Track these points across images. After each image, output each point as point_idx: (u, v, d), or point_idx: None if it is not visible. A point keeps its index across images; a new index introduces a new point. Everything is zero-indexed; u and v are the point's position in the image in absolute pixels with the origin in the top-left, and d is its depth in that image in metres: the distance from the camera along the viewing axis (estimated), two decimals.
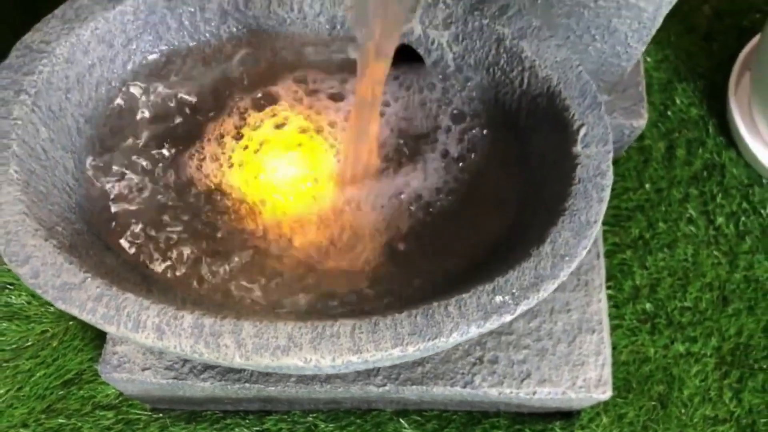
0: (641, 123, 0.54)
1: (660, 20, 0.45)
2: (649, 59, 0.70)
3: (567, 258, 0.36)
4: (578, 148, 0.38)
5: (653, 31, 0.46)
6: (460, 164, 0.43)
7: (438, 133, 0.44)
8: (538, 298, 0.35)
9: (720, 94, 0.69)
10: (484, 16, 0.42)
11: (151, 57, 0.44)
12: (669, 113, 0.68)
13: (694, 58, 0.70)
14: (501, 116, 0.44)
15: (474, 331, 0.34)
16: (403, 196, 0.42)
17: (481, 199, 0.42)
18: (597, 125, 0.39)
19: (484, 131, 0.44)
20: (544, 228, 0.37)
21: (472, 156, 0.43)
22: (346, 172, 0.41)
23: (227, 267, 0.39)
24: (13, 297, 0.60)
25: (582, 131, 0.39)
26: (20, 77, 0.39)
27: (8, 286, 0.60)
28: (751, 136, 0.66)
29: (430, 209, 0.42)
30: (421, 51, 0.45)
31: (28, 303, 0.60)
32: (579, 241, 0.36)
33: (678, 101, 0.69)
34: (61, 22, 0.41)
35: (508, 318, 0.35)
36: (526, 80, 0.42)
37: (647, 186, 0.65)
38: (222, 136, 0.43)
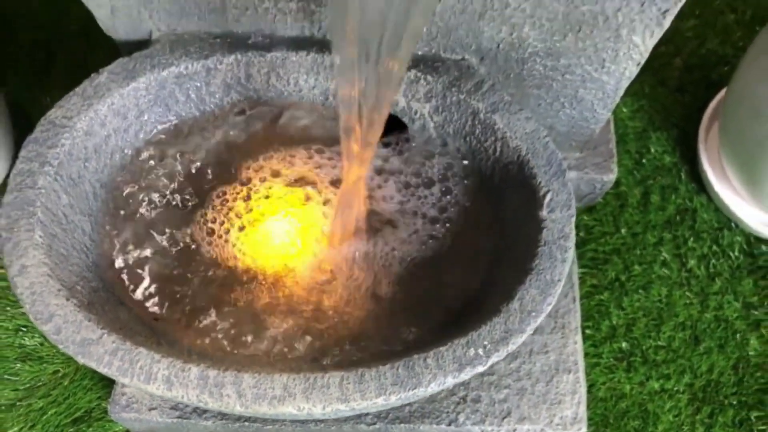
0: (611, 177, 0.59)
1: (622, 90, 0.50)
2: (624, 110, 0.75)
3: (533, 314, 0.40)
4: (544, 212, 0.43)
5: (617, 99, 0.51)
6: (439, 224, 0.48)
7: (419, 194, 0.49)
8: (508, 350, 0.39)
9: (691, 142, 0.74)
10: (461, 91, 0.47)
11: (161, 126, 0.49)
12: (644, 161, 0.73)
13: (667, 108, 0.76)
14: (477, 180, 0.48)
15: (450, 381, 0.39)
16: (386, 254, 0.46)
17: (458, 255, 0.47)
18: (561, 192, 0.44)
19: (462, 193, 0.48)
20: (513, 285, 0.41)
21: (451, 216, 0.48)
22: (336, 233, 0.45)
23: (229, 321, 0.44)
24: (26, 339, 0.64)
25: (548, 197, 0.43)
26: (45, 150, 0.44)
27: (22, 328, 0.65)
28: (720, 182, 0.71)
29: (412, 266, 0.47)
30: (405, 120, 0.50)
31: (41, 344, 0.64)
32: (544, 298, 0.41)
33: (652, 149, 0.74)
34: (82, 99, 0.46)
35: (480, 369, 0.39)
36: (498, 149, 0.46)
37: (623, 230, 0.70)
38: (225, 200, 0.48)
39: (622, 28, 0.44)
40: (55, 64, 0.75)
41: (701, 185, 0.72)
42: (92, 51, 0.76)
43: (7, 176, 0.69)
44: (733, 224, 0.71)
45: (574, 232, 0.43)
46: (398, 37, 0.35)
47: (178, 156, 0.49)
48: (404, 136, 0.50)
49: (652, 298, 0.67)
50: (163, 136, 0.49)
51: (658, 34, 0.44)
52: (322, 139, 0.50)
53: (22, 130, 0.72)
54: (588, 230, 0.70)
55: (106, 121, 0.46)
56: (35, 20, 0.77)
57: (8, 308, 0.66)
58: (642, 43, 0.45)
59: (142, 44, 0.49)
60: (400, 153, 0.51)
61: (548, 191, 0.44)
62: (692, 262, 0.69)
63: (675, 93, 0.76)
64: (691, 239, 0.70)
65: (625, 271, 0.68)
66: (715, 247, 0.70)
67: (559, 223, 0.43)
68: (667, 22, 0.43)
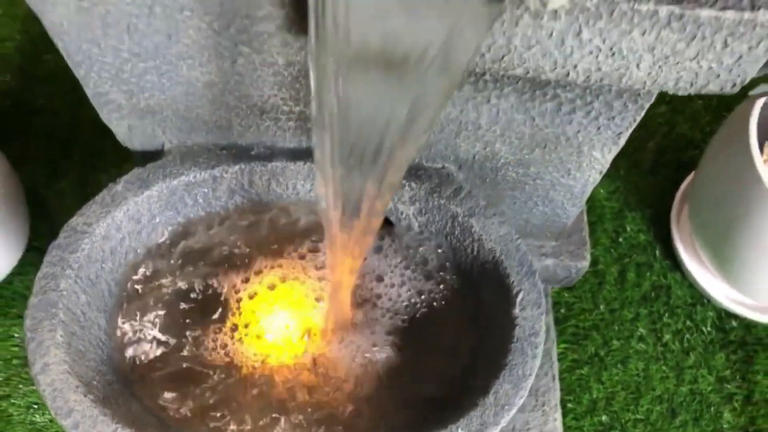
0: (584, 264, 0.64)
1: (589, 192, 0.56)
2: (602, 191, 0.81)
3: (507, 407, 0.45)
4: (516, 310, 0.48)
5: (584, 199, 0.57)
6: (423, 316, 0.53)
7: (404, 289, 0.54)
8: None
9: (665, 221, 0.79)
10: (441, 197, 0.52)
11: (171, 228, 0.54)
12: (620, 239, 0.78)
13: (641, 189, 0.81)
14: (458, 276, 0.54)
15: None
16: (374, 347, 0.51)
17: (440, 346, 0.52)
18: (532, 291, 0.49)
19: (444, 289, 0.54)
20: (488, 379, 0.46)
21: (434, 309, 0.53)
22: (328, 327, 0.51)
23: (237, 417, 0.48)
24: (37, 416, 0.68)
25: (520, 296, 0.49)
26: (67, 255, 0.49)
27: (33, 405, 0.69)
28: (692, 260, 0.76)
29: (398, 355, 0.51)
30: (392, 219, 0.55)
31: (50, 422, 0.68)
32: (516, 392, 0.46)
33: (628, 228, 0.79)
34: (100, 207, 0.51)
35: None
36: (476, 249, 0.52)
37: (602, 307, 0.75)
38: (230, 297, 0.53)
39: (583, 146, 0.49)
40: (71, 151, 0.81)
41: (675, 262, 0.77)
42: (106, 139, 0.82)
43: (22, 258, 0.76)
44: (705, 300, 0.75)
45: (544, 329, 0.48)
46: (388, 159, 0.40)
47: (185, 254, 0.54)
48: (392, 233, 0.55)
49: (630, 372, 0.72)
50: (172, 236, 0.54)
51: (615, 150, 0.50)
52: (320, 236, 0.55)
53: (37, 214, 0.78)
54: (569, 307, 0.75)
55: (122, 225, 0.52)
56: (52, 108, 0.84)
57: (20, 386, 0.70)
58: (601, 157, 0.51)
59: (155, 154, 0.55)
60: (388, 247, 0.56)
61: (520, 290, 0.49)
62: (668, 337, 0.74)
63: (648, 175, 0.82)
64: (666, 315, 0.75)
65: (604, 346, 0.73)
66: (689, 322, 0.74)
67: (530, 320, 0.48)
68: (622, 141, 0.49)
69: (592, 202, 0.80)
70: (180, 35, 0.43)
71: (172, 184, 0.53)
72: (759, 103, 0.62)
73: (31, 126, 0.83)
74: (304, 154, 0.54)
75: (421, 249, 0.55)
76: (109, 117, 0.51)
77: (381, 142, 0.40)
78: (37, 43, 0.88)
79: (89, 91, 0.49)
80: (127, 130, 0.53)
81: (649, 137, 0.84)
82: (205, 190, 0.54)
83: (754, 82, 0.45)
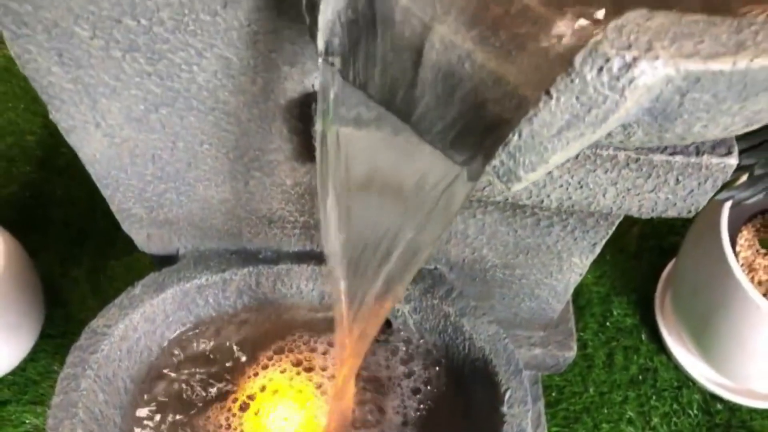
0: (571, 354, 0.68)
1: (571, 290, 0.61)
2: (589, 276, 0.86)
3: None
4: (504, 408, 0.52)
5: (568, 296, 0.62)
6: (418, 413, 0.57)
7: (400, 386, 0.58)
8: None
9: (650, 305, 0.84)
10: (434, 297, 0.57)
11: (183, 327, 0.59)
12: (608, 323, 0.83)
13: (626, 274, 0.86)
14: (451, 372, 0.58)
15: None
16: None
17: None
18: (519, 389, 0.53)
19: (438, 384, 0.58)
20: None
21: (428, 406, 0.57)
22: (330, 425, 0.54)
23: None
24: None
25: (507, 394, 0.53)
26: (87, 356, 0.54)
27: None
28: (676, 344, 0.80)
29: None
30: (389, 316, 0.60)
31: None
32: None
33: (615, 312, 0.84)
34: (119, 309, 0.56)
35: None
36: (467, 347, 0.56)
37: (591, 390, 0.78)
38: (238, 390, 0.57)
39: (562, 253, 0.55)
40: (85, 240, 0.87)
41: (661, 345, 0.81)
42: (119, 228, 0.87)
43: (36, 345, 0.80)
44: (690, 383, 0.79)
45: (530, 426, 0.51)
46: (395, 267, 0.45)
47: (194, 352, 0.59)
48: (389, 330, 0.60)
49: None
50: (183, 335, 0.59)
51: (592, 257, 0.55)
52: (321, 333, 0.60)
53: (51, 302, 0.82)
54: (559, 390, 0.78)
55: (138, 326, 0.56)
56: (69, 199, 0.90)
57: None
58: (580, 262, 0.56)
59: (170, 258, 0.60)
60: (385, 342, 0.60)
61: (508, 388, 0.53)
62: (656, 420, 0.77)
63: (633, 259, 0.87)
64: (654, 398, 0.78)
65: (595, 429, 0.76)
66: (675, 405, 0.78)
67: (518, 417, 0.52)
68: (598, 249, 0.54)
69: (580, 287, 0.84)
70: (199, 163, 0.49)
71: (186, 287, 0.57)
72: (727, 204, 0.68)
73: (49, 216, 0.89)
74: (307, 257, 0.59)
75: (416, 345, 0.59)
76: (130, 228, 0.57)
77: (384, 255, 0.45)
78: (57, 136, 0.94)
79: (113, 207, 0.54)
80: (145, 238, 0.58)
81: (633, 223, 0.89)
82: (216, 292, 0.59)
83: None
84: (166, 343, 0.59)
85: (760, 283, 0.72)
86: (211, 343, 0.59)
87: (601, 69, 0.24)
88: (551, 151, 0.27)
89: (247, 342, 0.60)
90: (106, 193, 0.52)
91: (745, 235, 0.75)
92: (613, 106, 0.25)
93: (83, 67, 0.40)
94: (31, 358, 0.79)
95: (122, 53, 0.40)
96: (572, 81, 0.25)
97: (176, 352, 0.58)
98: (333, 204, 0.43)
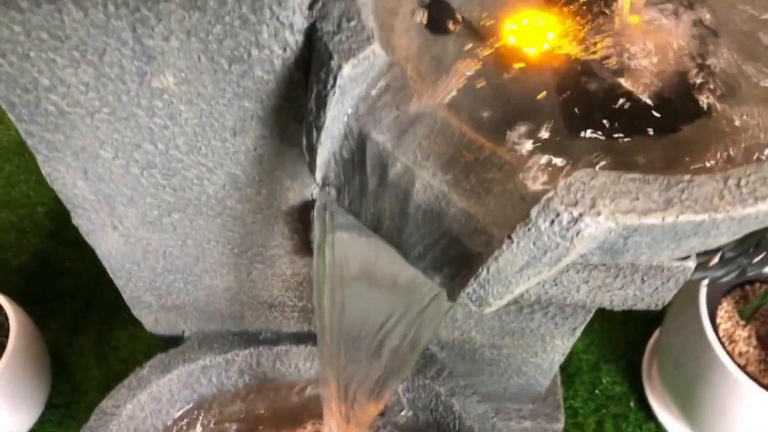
0: (559, 426, 0.72)
1: (556, 367, 0.65)
2: (579, 344, 0.89)
3: None
4: None
5: (554, 372, 0.66)
6: None
7: None
8: None
9: (638, 372, 0.87)
10: (426, 377, 0.61)
11: (187, 406, 0.63)
12: (597, 391, 0.86)
13: (614, 341, 0.90)
14: None
15: None
16: None
17: None
18: None
19: None
20: None
21: None
22: None
23: None
24: None
25: None
26: None
27: None
28: (664, 411, 0.83)
29: None
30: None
31: None
32: None
33: (604, 380, 0.87)
34: (128, 390, 0.60)
35: None
36: (457, 425, 0.60)
37: None
38: None
39: (545, 336, 0.59)
40: (91, 310, 0.91)
41: (649, 413, 0.85)
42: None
43: (42, 415, 0.83)
44: None
45: None
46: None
47: (199, 427, 0.62)
48: (384, 410, 0.64)
49: None
50: (187, 413, 0.62)
51: (573, 339, 0.59)
52: (318, 412, 0.63)
53: (57, 371, 0.86)
54: None
55: (145, 406, 0.60)
56: (76, 270, 0.94)
57: None
58: (562, 344, 0.60)
59: (176, 338, 0.64)
60: (381, 416, 0.64)
61: None
62: None
63: (621, 327, 0.91)
64: None
65: None
66: None
67: None
68: (578, 333, 0.58)
69: (569, 355, 0.88)
70: (206, 257, 0.54)
71: (190, 368, 0.61)
72: (704, 282, 0.72)
73: (57, 286, 0.93)
74: (305, 338, 0.63)
75: (410, 421, 0.63)
76: (139, 313, 0.61)
77: (381, 344, 0.49)
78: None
79: (125, 295, 0.59)
80: (153, 321, 0.63)
81: None
82: (219, 372, 0.63)
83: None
84: (171, 422, 0.62)
85: (740, 354, 0.76)
86: (213, 420, 0.63)
87: (552, 221, 0.29)
88: (515, 284, 0.31)
89: (247, 419, 0.63)
90: (119, 283, 0.57)
91: (725, 307, 0.79)
92: (565, 251, 0.30)
93: (105, 182, 0.46)
94: (37, 429, 0.82)
95: (140, 170, 0.45)
96: (529, 229, 0.30)
97: (177, 426, 0.62)
98: (329, 307, 0.47)
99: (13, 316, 0.77)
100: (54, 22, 0.35)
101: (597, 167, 0.34)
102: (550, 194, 0.29)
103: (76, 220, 0.49)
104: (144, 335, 0.88)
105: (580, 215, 0.29)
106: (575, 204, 0.29)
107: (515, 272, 0.31)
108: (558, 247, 0.30)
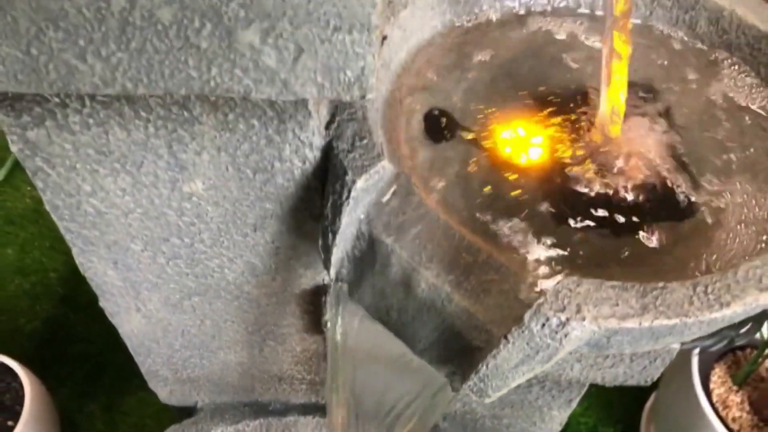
0: None
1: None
2: (576, 408, 0.92)
3: None
4: None
5: None
6: None
7: None
8: None
9: None
10: None
11: None
12: None
13: (612, 405, 0.93)
14: None
15: None
16: None
17: None
18: None
19: None
20: None
21: None
22: None
23: None
24: None
25: None
26: None
27: None
28: None
29: None
30: None
31: None
32: None
33: None
34: None
35: None
36: None
37: None
38: None
39: (543, 407, 0.62)
40: (102, 375, 0.94)
41: None
42: (133, 364, 0.94)
43: None
44: None
45: None
46: None
47: None
48: None
49: None
50: None
51: (569, 410, 0.62)
52: None
53: None
54: None
55: None
56: (88, 335, 0.97)
57: None
58: (558, 414, 0.63)
59: (189, 409, 0.67)
60: None
61: None
62: None
63: (617, 391, 0.94)
64: None
65: None
66: None
67: None
68: (574, 404, 0.62)
69: (568, 419, 0.91)
70: (221, 335, 0.57)
71: None
72: (696, 351, 0.76)
73: (68, 351, 0.96)
74: (313, 409, 0.66)
75: None
76: (155, 385, 0.65)
77: (392, 424, 0.52)
78: (79, 274, 1.03)
79: (143, 369, 0.62)
80: (168, 393, 0.66)
81: None
82: None
83: None
84: None
85: (734, 419, 0.79)
86: None
87: (543, 325, 0.33)
88: (511, 379, 0.35)
89: None
90: (138, 358, 0.60)
91: (718, 373, 0.83)
92: (555, 351, 0.34)
93: (132, 270, 0.50)
94: None
95: (166, 260, 0.49)
96: (523, 331, 0.34)
97: None
98: (341, 387, 0.51)
99: (28, 384, 0.80)
100: (100, 140, 0.39)
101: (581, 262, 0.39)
102: (541, 300, 0.34)
103: (103, 303, 0.53)
104: (153, 400, 0.91)
105: (567, 320, 0.33)
106: (563, 309, 0.33)
107: (512, 368, 0.35)
108: (549, 347, 0.34)
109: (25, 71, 0.31)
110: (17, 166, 1.16)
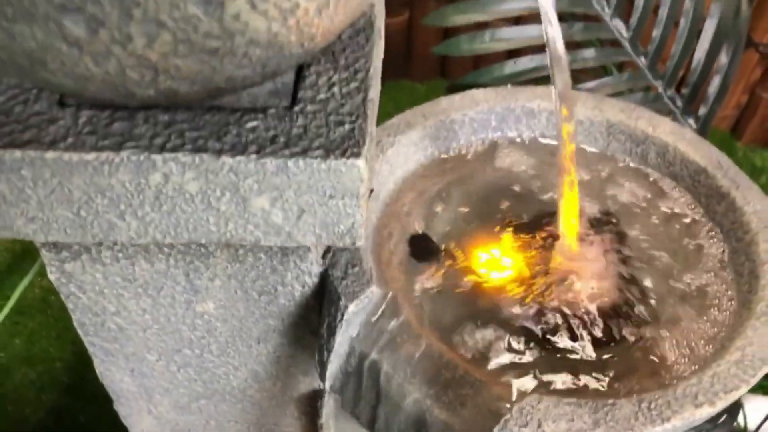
0: None
1: None
2: None
3: None
4: None
5: None
6: None
7: None
8: None
9: None
10: None
11: None
12: None
13: None
14: None
15: None
16: None
17: None
18: None
19: None
20: None
21: None
22: None
23: None
24: None
25: None
26: None
27: None
28: None
29: None
30: None
31: None
32: None
33: None
34: None
35: None
36: None
37: None
38: None
39: None
40: None
41: None
42: None
43: None
44: None
45: None
46: None
47: None
48: None
49: None
50: None
51: None
52: None
53: None
54: None
55: None
56: (90, 426, 1.01)
57: None
58: None
59: None
60: None
61: None
62: None
63: None
64: None
65: None
66: None
67: None
68: None
69: None
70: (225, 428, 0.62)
71: None
72: None
73: None
74: None
75: None
76: None
77: None
78: (84, 363, 1.08)
79: None
80: None
81: None
82: None
83: None
84: None
85: None
86: None
87: None
88: None
89: None
90: None
91: None
92: None
93: (147, 377, 0.55)
94: None
95: (178, 368, 0.55)
96: None
97: None
98: None
99: None
100: (127, 270, 0.46)
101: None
102: (507, 416, 0.39)
103: (117, 407, 0.59)
104: None
105: None
106: (526, 425, 0.39)
107: None
108: None
109: (74, 227, 0.38)
110: (26, 255, 1.22)
